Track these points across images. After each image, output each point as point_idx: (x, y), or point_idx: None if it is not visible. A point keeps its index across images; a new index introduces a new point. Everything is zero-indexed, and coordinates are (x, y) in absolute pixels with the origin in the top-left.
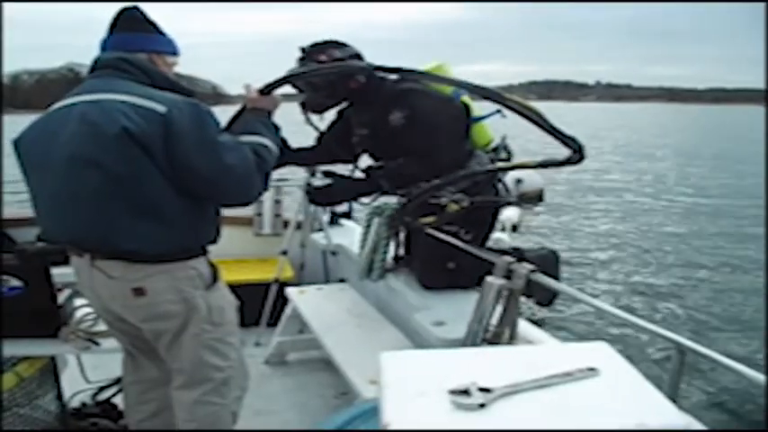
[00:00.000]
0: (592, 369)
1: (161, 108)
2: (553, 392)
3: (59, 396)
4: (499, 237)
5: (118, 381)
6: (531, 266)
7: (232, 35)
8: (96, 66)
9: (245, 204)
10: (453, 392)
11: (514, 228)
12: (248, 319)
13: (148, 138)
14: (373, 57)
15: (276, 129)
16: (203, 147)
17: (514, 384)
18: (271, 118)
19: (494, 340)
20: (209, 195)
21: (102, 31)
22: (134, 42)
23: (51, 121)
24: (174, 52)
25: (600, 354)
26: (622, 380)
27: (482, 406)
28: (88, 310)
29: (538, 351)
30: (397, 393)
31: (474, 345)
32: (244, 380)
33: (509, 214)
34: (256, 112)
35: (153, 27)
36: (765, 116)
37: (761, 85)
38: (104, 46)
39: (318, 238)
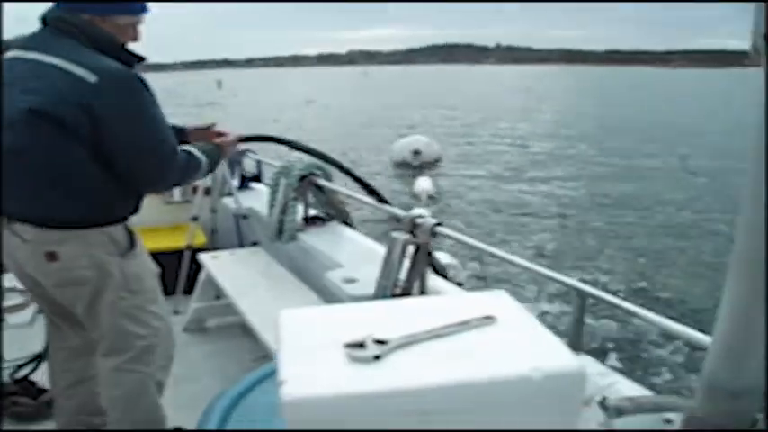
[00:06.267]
0: (488, 317)
1: (92, 78)
2: (449, 341)
3: None
4: (419, 212)
5: (35, 358)
6: (434, 220)
7: None
8: (43, 20)
9: (155, 187)
10: (349, 345)
11: (431, 197)
12: (164, 287)
13: (67, 110)
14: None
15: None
16: (133, 120)
17: (410, 335)
18: (222, 158)
19: (404, 294)
20: (129, 168)
21: None
22: (77, 2)
23: None
24: (127, 11)
25: (498, 302)
26: (519, 327)
27: (377, 358)
28: None
29: (437, 301)
30: (293, 350)
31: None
32: (170, 347)
33: (424, 186)
34: (219, 148)
35: None
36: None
37: (655, 46)
38: None
39: (229, 202)
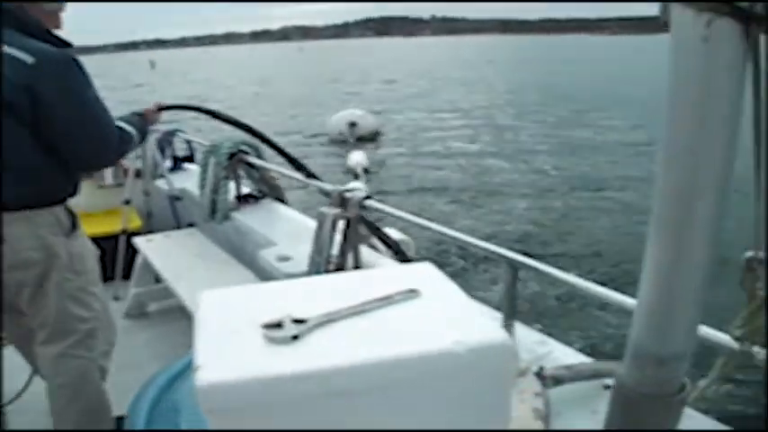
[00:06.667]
0: (412, 291)
1: (29, 59)
2: (370, 318)
3: None
4: (350, 185)
5: None
6: (364, 193)
7: None
8: None
9: (96, 166)
10: (266, 326)
11: (366, 171)
12: (103, 273)
13: (10, 91)
14: None
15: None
16: (71, 100)
17: (330, 313)
18: (147, 126)
19: (338, 270)
20: (69, 147)
21: None
22: None
23: None
24: None
25: (423, 274)
26: (444, 300)
27: (295, 338)
28: None
29: (362, 276)
30: (210, 333)
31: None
32: (111, 333)
33: (358, 159)
34: (143, 118)
35: None
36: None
37: (587, 14)
38: None
39: (162, 184)
